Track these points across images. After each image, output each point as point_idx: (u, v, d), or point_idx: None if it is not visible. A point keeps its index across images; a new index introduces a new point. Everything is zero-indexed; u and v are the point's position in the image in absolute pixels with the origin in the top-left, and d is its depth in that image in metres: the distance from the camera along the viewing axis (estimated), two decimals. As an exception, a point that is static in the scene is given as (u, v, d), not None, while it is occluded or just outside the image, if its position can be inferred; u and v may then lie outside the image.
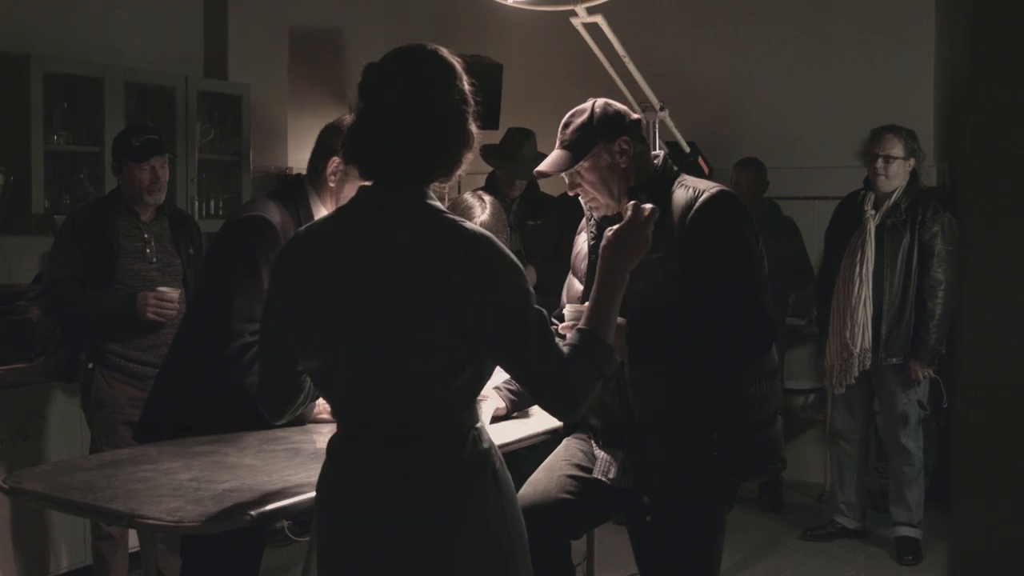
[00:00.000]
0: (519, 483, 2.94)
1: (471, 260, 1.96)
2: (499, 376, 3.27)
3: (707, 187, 2.79)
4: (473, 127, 2.14)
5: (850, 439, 5.21)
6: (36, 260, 4.86)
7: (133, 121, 4.76)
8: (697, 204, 2.73)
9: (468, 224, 2.03)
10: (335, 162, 3.00)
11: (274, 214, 2.92)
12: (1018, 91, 0.77)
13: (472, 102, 2.14)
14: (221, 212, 5.51)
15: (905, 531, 5.03)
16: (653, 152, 2.93)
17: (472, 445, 2.04)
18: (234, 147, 5.58)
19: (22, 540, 4.23)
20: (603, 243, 2.35)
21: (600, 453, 2.88)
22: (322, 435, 3.01)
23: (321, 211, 3.01)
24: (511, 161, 5.34)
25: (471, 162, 2.19)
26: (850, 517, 5.25)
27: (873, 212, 4.97)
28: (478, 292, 1.95)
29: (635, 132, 2.85)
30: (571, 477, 2.88)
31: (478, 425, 2.09)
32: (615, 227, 2.36)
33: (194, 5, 5.69)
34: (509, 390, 3.21)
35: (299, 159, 6.14)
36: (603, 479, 2.84)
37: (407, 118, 2.05)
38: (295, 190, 3.06)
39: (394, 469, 2.01)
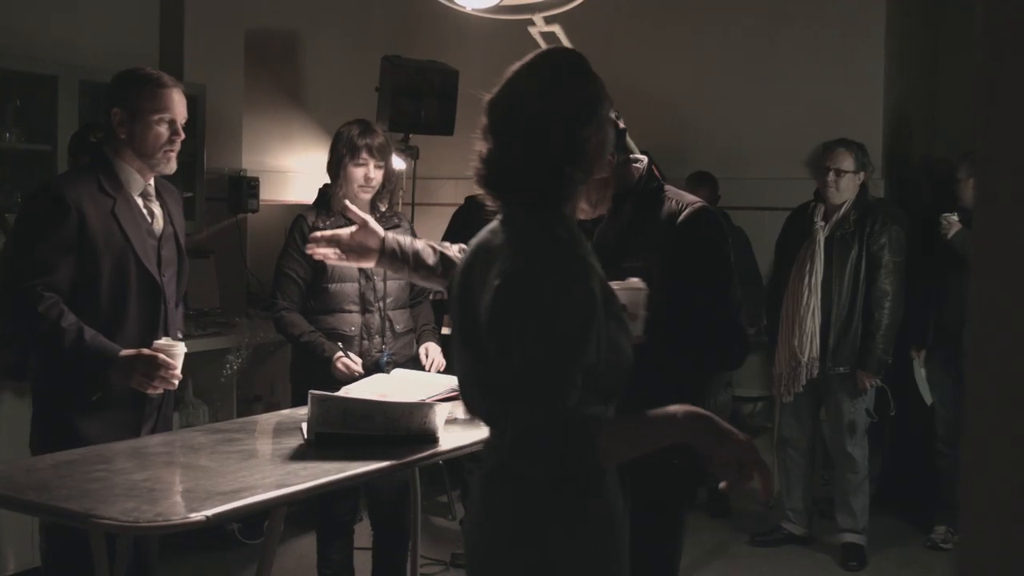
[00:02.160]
0: None
1: None
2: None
3: (691, 201, 2.83)
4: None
5: (797, 447, 5.29)
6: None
7: (88, 120, 4.72)
8: (682, 217, 2.77)
9: None
10: (116, 114, 3.12)
11: (63, 185, 3.14)
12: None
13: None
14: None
15: (850, 537, 5.11)
16: (633, 156, 2.96)
17: None
18: (188, 148, 5.51)
19: (-32, 541, 4.18)
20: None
21: None
22: (271, 437, 3.01)
23: (126, 168, 3.17)
24: None
25: None
26: (796, 523, 5.33)
27: (823, 223, 5.06)
28: None
29: (620, 142, 2.88)
30: None
31: None
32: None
33: (150, 5, 5.66)
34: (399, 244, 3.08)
35: (253, 160, 6.13)
36: None
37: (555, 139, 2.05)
38: (95, 157, 3.22)
39: None
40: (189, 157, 5.53)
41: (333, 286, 4.01)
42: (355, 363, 3.87)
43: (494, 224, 2.12)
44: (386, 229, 4.10)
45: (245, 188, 5.85)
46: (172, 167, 3.23)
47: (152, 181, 3.29)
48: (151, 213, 3.26)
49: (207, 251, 5.71)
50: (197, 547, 4.90)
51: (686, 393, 2.81)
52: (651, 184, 2.88)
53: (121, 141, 3.12)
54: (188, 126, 5.47)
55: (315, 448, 2.78)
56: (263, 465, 2.65)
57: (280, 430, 3.09)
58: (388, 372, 3.88)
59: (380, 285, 4.06)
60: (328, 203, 4.10)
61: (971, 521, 0.80)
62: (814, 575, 5.02)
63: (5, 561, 4.32)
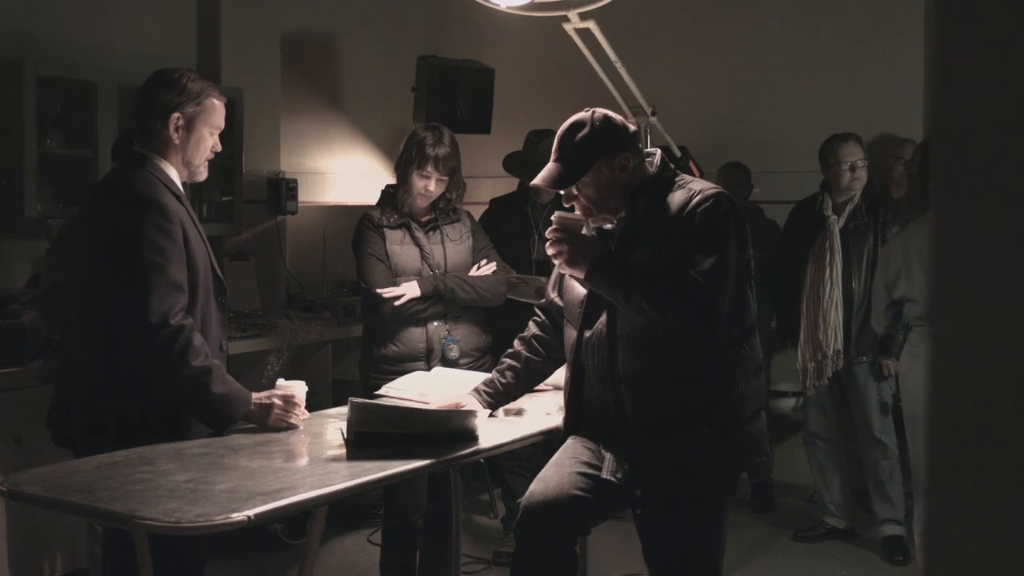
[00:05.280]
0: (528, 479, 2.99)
1: None
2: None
3: (704, 187, 2.82)
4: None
5: (826, 439, 5.27)
6: (28, 263, 4.87)
7: (127, 126, 4.77)
8: (692, 202, 2.76)
9: None
10: (176, 118, 3.00)
11: (154, 192, 2.94)
12: (991, 73, 0.77)
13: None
14: (215, 215, 5.53)
15: (891, 529, 5.05)
16: (647, 151, 2.96)
17: None
18: (227, 151, 5.55)
19: (18, 542, 4.23)
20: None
21: (607, 454, 2.90)
22: (312, 437, 3.03)
23: (171, 171, 3.03)
24: (529, 166, 5.25)
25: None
26: (839, 517, 5.28)
27: (835, 216, 5.04)
28: None
29: (634, 146, 2.87)
30: (581, 475, 2.88)
31: None
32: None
33: (187, 10, 5.71)
34: (487, 392, 3.24)
35: (291, 162, 6.17)
36: (612, 479, 2.86)
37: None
38: (145, 160, 3.02)
39: None
40: (228, 160, 5.57)
41: (399, 279, 4.01)
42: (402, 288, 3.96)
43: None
44: (445, 224, 4.13)
45: (284, 190, 5.89)
46: (205, 175, 3.23)
47: None
48: None
49: (247, 253, 5.75)
50: (241, 548, 4.93)
51: (709, 379, 2.81)
52: (664, 175, 2.88)
53: (174, 146, 3.04)
54: (227, 129, 5.56)
55: (355, 448, 2.80)
56: (304, 465, 2.67)
57: (320, 431, 3.11)
58: (453, 357, 3.92)
59: (439, 262, 4.08)
60: (394, 202, 4.09)
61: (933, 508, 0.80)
62: (859, 570, 4.97)
63: (54, 562, 4.37)
